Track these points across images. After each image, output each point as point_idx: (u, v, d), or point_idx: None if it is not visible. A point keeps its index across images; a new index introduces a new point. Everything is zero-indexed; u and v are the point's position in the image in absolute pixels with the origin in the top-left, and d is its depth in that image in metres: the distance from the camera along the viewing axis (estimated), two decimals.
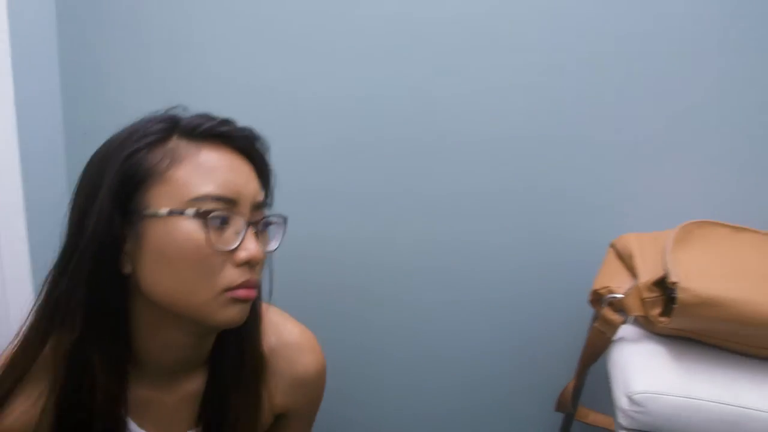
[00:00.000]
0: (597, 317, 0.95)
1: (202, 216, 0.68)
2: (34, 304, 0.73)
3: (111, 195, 0.67)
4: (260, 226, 0.74)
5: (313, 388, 0.85)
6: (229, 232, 0.70)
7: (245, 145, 0.73)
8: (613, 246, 1.06)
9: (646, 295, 0.89)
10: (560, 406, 1.12)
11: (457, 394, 1.35)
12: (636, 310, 0.90)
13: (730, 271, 0.88)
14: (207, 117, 0.72)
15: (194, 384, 0.79)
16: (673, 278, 0.84)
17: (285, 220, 0.76)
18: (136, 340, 0.73)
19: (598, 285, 0.97)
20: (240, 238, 0.70)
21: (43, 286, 0.72)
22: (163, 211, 0.68)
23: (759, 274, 0.88)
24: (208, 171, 0.69)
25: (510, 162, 1.19)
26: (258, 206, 0.73)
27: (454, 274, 1.27)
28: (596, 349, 0.95)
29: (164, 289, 0.70)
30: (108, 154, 0.70)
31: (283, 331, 0.83)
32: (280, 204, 0.77)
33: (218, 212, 0.68)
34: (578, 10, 1.11)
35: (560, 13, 1.11)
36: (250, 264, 0.71)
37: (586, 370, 1.01)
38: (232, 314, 0.71)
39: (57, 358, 0.70)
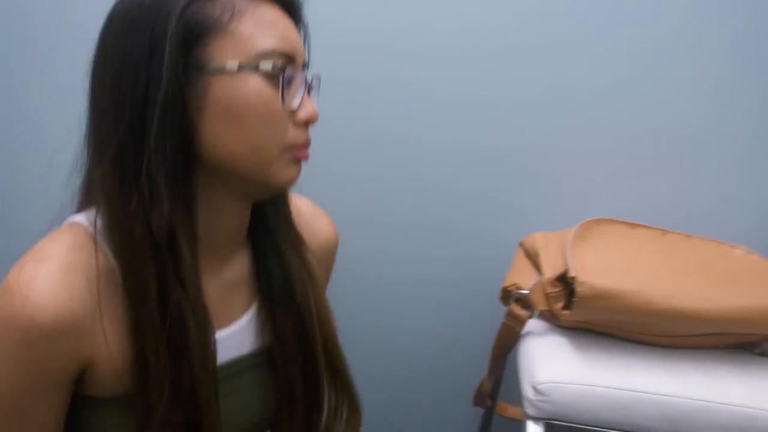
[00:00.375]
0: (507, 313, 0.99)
1: (277, 72, 0.65)
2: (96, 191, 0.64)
3: (176, 48, 0.61)
4: (309, 86, 0.72)
5: (331, 256, 0.86)
6: (292, 90, 0.68)
7: (288, 1, 0.71)
8: (521, 245, 1.10)
9: (550, 290, 0.94)
10: (477, 401, 1.16)
11: (375, 391, 1.36)
12: (541, 305, 0.94)
13: (625, 265, 0.93)
14: None
15: (237, 267, 0.76)
16: (572, 273, 0.89)
17: (320, 80, 0.75)
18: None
19: (507, 282, 1.02)
20: (300, 98, 0.68)
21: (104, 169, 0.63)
22: (232, 65, 0.63)
23: (651, 268, 0.94)
24: (270, 26, 0.66)
25: (427, 164, 1.23)
26: (305, 66, 0.72)
27: (372, 269, 1.29)
28: (506, 343, 1.00)
29: (229, 148, 0.65)
30: (152, 5, 0.63)
31: (297, 203, 0.81)
32: None
33: (290, 69, 0.66)
34: (483, 25, 1.16)
35: (472, 28, 1.16)
36: (307, 123, 0.70)
37: (497, 364, 1.06)
38: (292, 174, 0.70)
39: (142, 239, 0.62)
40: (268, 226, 0.77)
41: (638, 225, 1.04)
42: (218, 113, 0.64)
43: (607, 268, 0.90)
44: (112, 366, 0.64)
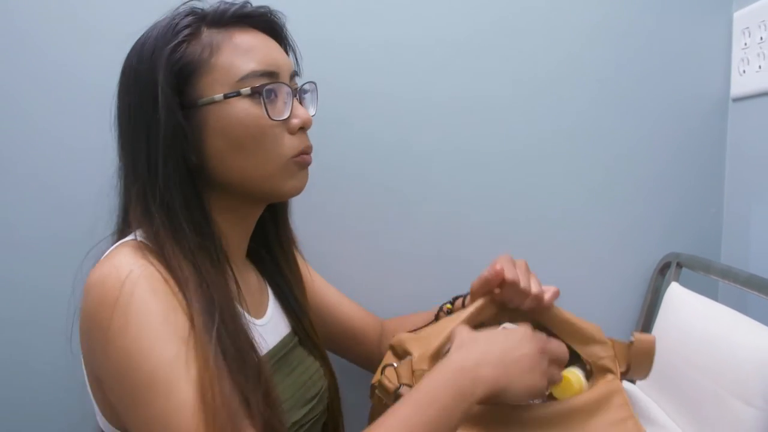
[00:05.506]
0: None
1: (257, 92, 0.73)
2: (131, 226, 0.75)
3: (170, 90, 0.70)
4: (299, 94, 0.80)
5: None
6: (279, 103, 0.75)
7: (266, 21, 0.80)
8: (391, 347, 1.11)
9: (418, 367, 0.95)
10: None
11: None
12: (406, 379, 0.94)
13: None
14: (228, 3, 0.79)
15: (250, 272, 0.90)
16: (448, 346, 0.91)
17: (316, 86, 0.85)
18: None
19: (374, 379, 1.00)
20: (289, 107, 0.75)
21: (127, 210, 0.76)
22: (219, 96, 0.72)
23: None
24: (245, 51, 0.74)
25: None
26: (293, 76, 0.79)
27: None
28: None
29: (235, 168, 0.74)
30: (148, 55, 0.71)
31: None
32: None
33: (269, 85, 0.74)
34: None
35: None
36: (303, 129, 0.78)
37: None
38: (298, 182, 0.79)
39: (177, 256, 0.70)
40: (267, 239, 0.93)
41: None
42: (218, 139, 0.74)
43: None
44: None
